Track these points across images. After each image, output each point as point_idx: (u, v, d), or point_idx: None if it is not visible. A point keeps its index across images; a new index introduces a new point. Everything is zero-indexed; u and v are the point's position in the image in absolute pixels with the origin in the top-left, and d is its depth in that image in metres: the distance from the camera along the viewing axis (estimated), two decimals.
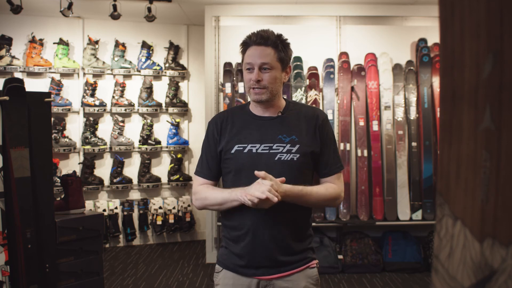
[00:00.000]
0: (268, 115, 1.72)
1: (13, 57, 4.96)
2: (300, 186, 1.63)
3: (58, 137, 5.02)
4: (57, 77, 5.10)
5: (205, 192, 1.72)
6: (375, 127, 4.52)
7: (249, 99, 1.77)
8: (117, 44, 5.31)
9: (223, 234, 1.77)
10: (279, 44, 1.67)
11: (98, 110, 5.22)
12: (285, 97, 1.83)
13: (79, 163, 5.21)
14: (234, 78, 4.63)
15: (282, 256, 1.65)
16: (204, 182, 1.76)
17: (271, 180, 1.54)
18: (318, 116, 1.74)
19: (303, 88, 4.55)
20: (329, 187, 1.72)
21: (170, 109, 5.50)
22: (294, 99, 4.54)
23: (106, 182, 5.32)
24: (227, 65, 4.65)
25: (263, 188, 1.51)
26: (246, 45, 1.69)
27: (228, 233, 1.72)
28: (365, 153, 4.52)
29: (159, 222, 5.38)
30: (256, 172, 1.55)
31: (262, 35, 1.66)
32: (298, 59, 4.64)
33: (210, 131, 1.77)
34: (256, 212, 1.62)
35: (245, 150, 1.66)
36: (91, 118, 5.18)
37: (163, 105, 5.47)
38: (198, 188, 1.75)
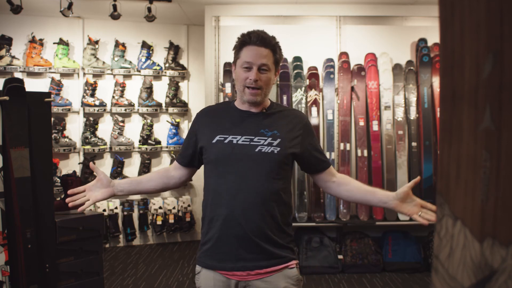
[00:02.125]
0: (253, 111, 1.75)
1: (13, 57, 4.95)
2: (373, 188, 1.80)
3: (58, 137, 5.02)
4: (57, 77, 5.10)
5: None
6: (375, 127, 4.52)
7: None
8: (117, 44, 5.31)
9: (202, 230, 1.78)
10: (276, 48, 1.72)
11: (98, 110, 5.22)
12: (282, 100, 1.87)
13: (79, 163, 5.21)
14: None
15: (258, 249, 1.64)
16: (175, 165, 1.88)
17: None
18: (302, 117, 1.81)
19: (303, 88, 4.54)
20: (351, 178, 1.87)
21: (170, 109, 5.49)
22: (294, 99, 4.54)
23: None
24: (227, 65, 4.65)
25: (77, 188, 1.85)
26: (243, 43, 1.70)
27: (206, 226, 1.73)
28: (365, 153, 4.52)
29: (159, 222, 5.38)
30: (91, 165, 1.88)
31: (262, 37, 1.68)
32: (298, 59, 4.64)
33: (195, 121, 1.85)
34: (232, 202, 1.65)
35: (226, 141, 1.69)
36: (91, 118, 5.18)
37: (163, 105, 5.47)
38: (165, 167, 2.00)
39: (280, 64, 1.79)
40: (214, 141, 1.70)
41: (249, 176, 1.65)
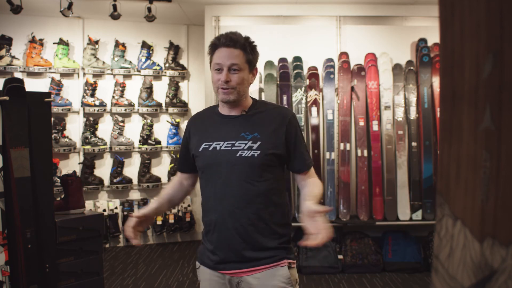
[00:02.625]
0: (233, 114, 1.77)
1: (13, 57, 4.95)
2: (312, 197, 1.69)
3: (58, 137, 5.02)
4: (57, 77, 5.10)
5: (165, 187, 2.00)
6: (375, 127, 4.52)
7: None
8: (117, 44, 5.31)
9: (202, 231, 1.86)
10: (247, 47, 1.72)
11: (98, 110, 5.22)
12: (264, 97, 1.88)
13: (79, 163, 5.21)
14: None
15: (248, 251, 1.68)
16: (179, 175, 1.95)
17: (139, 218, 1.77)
18: (285, 115, 1.78)
19: (303, 88, 4.55)
20: (316, 183, 1.79)
21: (170, 109, 5.50)
22: (294, 99, 4.54)
23: (106, 182, 5.32)
24: None
25: (126, 227, 1.77)
26: (214, 46, 1.73)
27: (204, 228, 1.81)
28: (365, 153, 4.52)
29: (159, 222, 5.38)
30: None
31: (231, 37, 1.70)
32: (298, 59, 4.64)
33: (186, 129, 1.89)
34: (220, 207, 1.70)
35: (210, 148, 1.73)
36: (91, 118, 5.18)
37: (163, 105, 5.47)
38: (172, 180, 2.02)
39: (256, 62, 1.78)
40: (200, 149, 1.76)
41: (233, 181, 1.69)
